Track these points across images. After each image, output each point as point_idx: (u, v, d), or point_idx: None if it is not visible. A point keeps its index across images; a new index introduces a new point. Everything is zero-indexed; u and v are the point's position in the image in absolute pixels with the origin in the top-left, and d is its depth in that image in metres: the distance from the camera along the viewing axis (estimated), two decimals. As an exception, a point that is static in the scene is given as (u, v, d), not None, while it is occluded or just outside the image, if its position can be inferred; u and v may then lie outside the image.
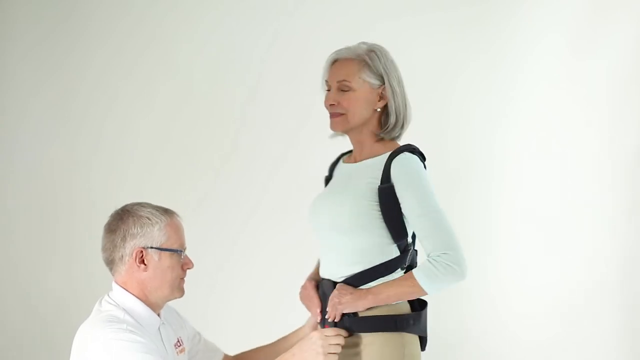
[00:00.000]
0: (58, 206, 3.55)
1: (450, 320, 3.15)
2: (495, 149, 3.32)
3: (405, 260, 1.95)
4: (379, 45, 2.00)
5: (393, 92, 1.96)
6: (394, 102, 1.96)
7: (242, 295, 3.41)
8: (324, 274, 2.00)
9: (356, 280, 1.92)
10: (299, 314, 2.16)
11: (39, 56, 3.56)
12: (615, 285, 3.21)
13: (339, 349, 1.85)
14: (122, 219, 1.87)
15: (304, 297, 2.05)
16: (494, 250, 3.30)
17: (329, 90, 1.99)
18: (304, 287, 2.06)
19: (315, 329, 2.00)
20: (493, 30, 3.29)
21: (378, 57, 1.96)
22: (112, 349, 1.75)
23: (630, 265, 3.20)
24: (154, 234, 1.86)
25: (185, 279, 1.93)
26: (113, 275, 1.90)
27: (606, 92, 3.21)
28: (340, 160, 2.13)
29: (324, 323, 1.96)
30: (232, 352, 2.18)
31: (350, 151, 2.10)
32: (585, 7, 3.20)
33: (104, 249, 1.89)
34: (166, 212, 1.90)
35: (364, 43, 1.99)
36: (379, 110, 1.97)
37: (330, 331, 1.87)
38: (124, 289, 1.87)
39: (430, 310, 1.99)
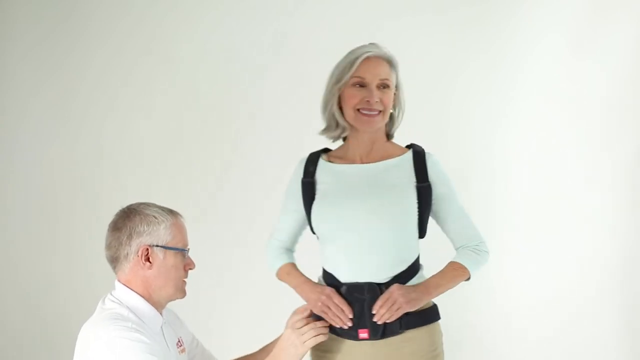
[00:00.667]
0: (58, 206, 3.55)
1: (454, 317, 3.14)
2: (495, 149, 3.32)
3: None
4: None
5: (402, 97, 2.05)
6: (403, 107, 2.06)
7: (245, 300, 3.40)
8: (359, 277, 1.92)
9: (402, 279, 1.94)
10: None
11: (39, 56, 3.56)
12: (615, 285, 3.22)
13: (316, 335, 1.89)
14: (129, 217, 1.87)
15: (328, 306, 1.92)
16: (494, 250, 3.22)
17: (360, 86, 1.97)
18: (327, 296, 1.93)
19: None
20: (493, 30, 3.30)
21: (396, 63, 2.02)
22: (115, 348, 1.74)
23: (630, 265, 3.21)
24: (160, 232, 1.87)
25: (186, 280, 1.94)
26: (116, 273, 1.90)
27: (606, 92, 3.21)
28: (322, 163, 2.07)
29: (361, 327, 1.91)
30: (234, 356, 2.15)
31: (325, 150, 2.10)
32: (585, 7, 3.20)
33: (109, 246, 1.88)
34: (171, 212, 1.92)
35: (375, 45, 2.02)
36: (392, 112, 2.04)
37: (300, 323, 1.91)
38: (128, 287, 1.87)
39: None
